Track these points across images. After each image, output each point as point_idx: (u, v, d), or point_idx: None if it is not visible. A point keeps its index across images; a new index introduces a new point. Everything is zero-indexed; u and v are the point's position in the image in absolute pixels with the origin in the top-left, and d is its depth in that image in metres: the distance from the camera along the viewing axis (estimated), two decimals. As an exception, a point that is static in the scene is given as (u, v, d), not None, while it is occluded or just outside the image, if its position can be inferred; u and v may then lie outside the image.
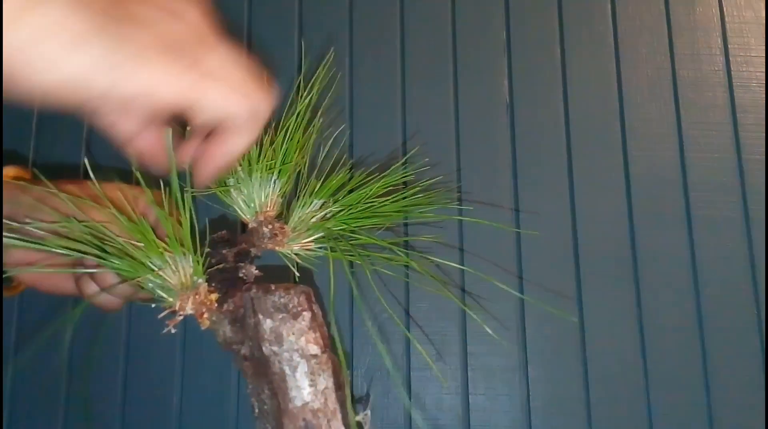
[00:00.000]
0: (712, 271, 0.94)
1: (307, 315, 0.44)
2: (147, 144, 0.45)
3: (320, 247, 0.58)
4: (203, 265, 0.48)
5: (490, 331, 0.92)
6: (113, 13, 0.35)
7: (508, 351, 0.92)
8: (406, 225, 0.95)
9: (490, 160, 0.99)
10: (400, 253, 0.62)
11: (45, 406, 0.92)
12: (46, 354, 0.93)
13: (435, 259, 0.87)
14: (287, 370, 0.42)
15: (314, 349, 0.43)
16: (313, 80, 0.71)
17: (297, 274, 0.61)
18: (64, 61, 0.33)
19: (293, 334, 0.43)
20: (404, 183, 0.92)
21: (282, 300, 0.45)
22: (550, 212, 0.97)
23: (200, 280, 0.48)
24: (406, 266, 0.88)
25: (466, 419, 0.91)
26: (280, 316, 0.44)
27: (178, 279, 0.47)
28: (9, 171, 0.61)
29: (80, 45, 0.33)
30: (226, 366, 0.92)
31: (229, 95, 0.40)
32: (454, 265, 0.93)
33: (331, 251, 0.55)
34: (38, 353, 0.94)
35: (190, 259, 0.47)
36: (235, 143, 0.44)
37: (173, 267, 0.46)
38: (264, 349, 0.43)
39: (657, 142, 0.99)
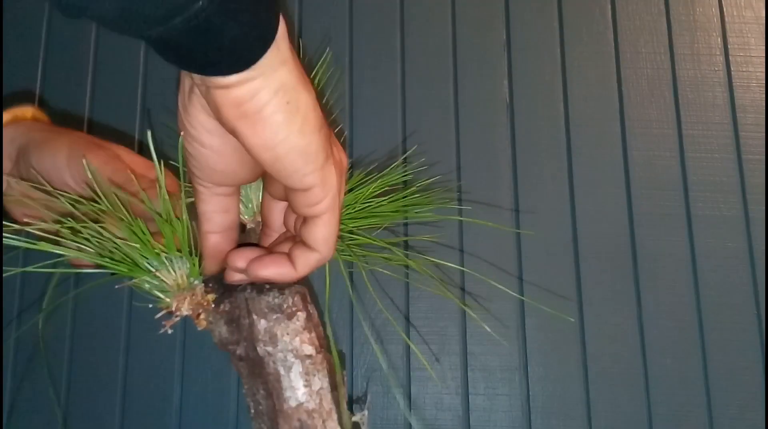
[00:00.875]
0: (712, 270, 0.94)
1: (301, 315, 0.44)
2: (222, 245, 0.49)
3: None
4: (200, 265, 0.48)
5: (488, 330, 0.92)
6: (327, 127, 0.43)
7: (508, 351, 0.92)
8: (405, 225, 0.95)
9: (490, 160, 0.99)
10: (399, 253, 0.62)
11: (45, 406, 0.93)
12: (46, 354, 0.94)
13: (434, 259, 0.87)
14: (282, 371, 0.42)
15: (309, 349, 0.43)
16: (311, 78, 0.71)
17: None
18: (296, 136, 0.40)
19: (287, 334, 0.43)
20: (404, 182, 0.92)
21: (276, 300, 0.45)
22: (550, 212, 0.97)
23: (196, 281, 0.48)
24: (406, 266, 0.88)
25: (466, 419, 0.91)
26: (275, 317, 0.44)
27: (174, 280, 0.47)
28: (27, 111, 0.62)
29: (311, 133, 0.40)
30: (226, 366, 0.92)
31: (331, 236, 0.45)
32: (454, 265, 0.93)
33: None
34: (38, 353, 0.94)
35: (186, 260, 0.47)
36: (290, 267, 0.46)
37: (169, 268, 0.47)
38: (258, 349, 0.43)
39: (657, 142, 0.99)
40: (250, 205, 0.56)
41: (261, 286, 0.46)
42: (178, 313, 0.47)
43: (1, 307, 0.92)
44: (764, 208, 0.95)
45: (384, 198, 0.62)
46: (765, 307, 0.92)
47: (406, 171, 0.93)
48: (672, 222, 0.96)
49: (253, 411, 0.45)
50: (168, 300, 0.47)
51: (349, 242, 0.58)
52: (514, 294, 0.93)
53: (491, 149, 0.99)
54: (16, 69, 1.02)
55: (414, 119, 1.00)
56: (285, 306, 0.44)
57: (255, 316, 0.44)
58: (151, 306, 0.49)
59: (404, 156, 0.97)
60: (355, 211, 0.59)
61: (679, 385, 0.91)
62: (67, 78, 1.02)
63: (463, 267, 0.94)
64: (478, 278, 0.93)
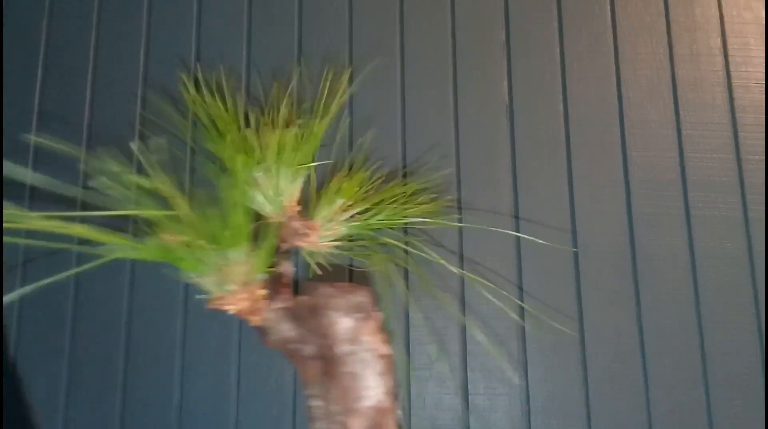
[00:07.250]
0: (711, 271, 0.95)
1: (377, 315, 0.43)
2: None
3: (336, 245, 0.56)
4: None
5: (488, 345, 0.92)
6: None
7: (508, 351, 0.92)
8: (406, 228, 0.94)
9: (489, 161, 0.98)
10: (399, 252, 0.61)
11: (45, 406, 0.91)
12: (46, 354, 0.92)
13: (431, 257, 0.86)
14: (359, 370, 0.41)
15: (386, 349, 0.42)
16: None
17: (319, 273, 0.60)
18: None
19: (368, 333, 0.42)
20: (403, 176, 0.92)
21: (357, 299, 0.43)
22: (550, 211, 0.97)
23: (255, 278, 0.47)
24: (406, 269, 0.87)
25: (466, 419, 0.90)
26: (357, 316, 0.42)
27: (233, 276, 0.45)
28: None
29: None
30: (226, 366, 0.90)
31: None
32: (452, 267, 0.92)
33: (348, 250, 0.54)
34: (39, 354, 0.92)
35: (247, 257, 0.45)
36: None
37: (228, 264, 0.45)
38: (336, 348, 0.42)
39: (656, 143, 0.99)
40: (279, 199, 0.55)
41: (340, 285, 0.45)
42: (231, 309, 0.45)
43: (2, 310, 0.91)
44: (764, 207, 0.97)
45: (379, 200, 0.61)
46: (765, 307, 0.93)
47: (408, 179, 0.92)
48: (671, 222, 0.97)
49: (316, 412, 0.44)
50: (224, 293, 0.46)
51: (369, 242, 0.57)
52: (513, 297, 0.93)
53: (491, 150, 0.99)
54: (15, 70, 1.00)
55: (413, 119, 0.99)
56: (365, 305, 0.43)
57: (335, 315, 0.42)
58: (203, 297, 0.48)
59: (403, 152, 0.96)
60: (382, 213, 0.58)
61: (679, 385, 0.91)
62: (66, 81, 1.01)
63: (462, 269, 0.93)
64: (477, 280, 0.92)
